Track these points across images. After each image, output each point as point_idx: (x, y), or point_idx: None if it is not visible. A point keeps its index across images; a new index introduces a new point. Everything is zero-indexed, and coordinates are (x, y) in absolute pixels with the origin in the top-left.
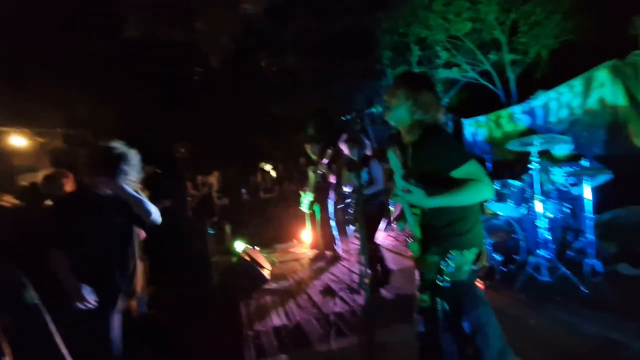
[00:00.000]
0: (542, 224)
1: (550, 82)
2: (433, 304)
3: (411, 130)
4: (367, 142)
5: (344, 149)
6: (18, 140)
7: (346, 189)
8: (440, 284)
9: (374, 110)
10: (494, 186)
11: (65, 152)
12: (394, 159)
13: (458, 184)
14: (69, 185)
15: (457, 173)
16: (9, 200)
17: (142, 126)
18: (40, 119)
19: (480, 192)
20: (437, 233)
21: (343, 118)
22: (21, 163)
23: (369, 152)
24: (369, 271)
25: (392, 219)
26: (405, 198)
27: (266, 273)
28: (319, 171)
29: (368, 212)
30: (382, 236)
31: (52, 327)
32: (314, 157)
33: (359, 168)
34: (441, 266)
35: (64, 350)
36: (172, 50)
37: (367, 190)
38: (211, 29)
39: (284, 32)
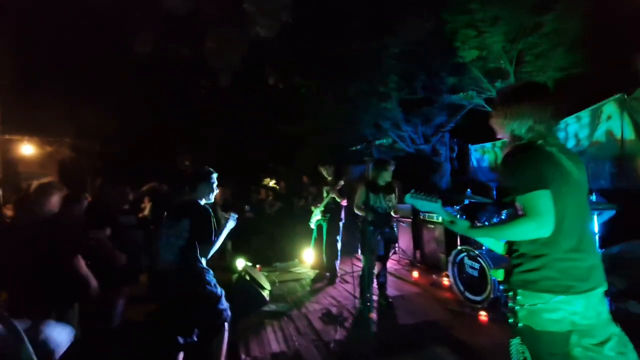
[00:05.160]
0: None
1: None
2: (512, 345)
3: (507, 145)
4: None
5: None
6: (27, 149)
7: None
8: (513, 324)
9: (384, 141)
10: (547, 227)
11: (72, 161)
12: (413, 201)
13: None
14: (56, 199)
15: (518, 201)
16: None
17: (149, 139)
18: (50, 129)
19: (519, 231)
20: (509, 264)
21: (353, 148)
22: (27, 170)
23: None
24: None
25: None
26: (451, 228)
27: (266, 294)
28: (332, 193)
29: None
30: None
31: None
32: (329, 178)
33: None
34: (509, 305)
35: None
36: (181, 66)
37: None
38: (221, 47)
39: (291, 52)
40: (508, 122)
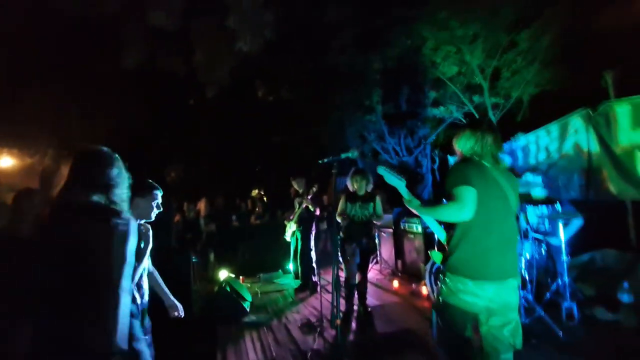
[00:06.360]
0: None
1: (529, 126)
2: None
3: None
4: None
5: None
6: (6, 160)
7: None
8: (435, 299)
9: (349, 154)
10: (467, 211)
11: (55, 172)
12: (383, 172)
13: None
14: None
15: (452, 193)
16: None
17: (135, 150)
18: (33, 139)
19: (446, 212)
20: (446, 251)
21: (319, 162)
22: (7, 182)
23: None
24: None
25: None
26: (407, 205)
27: (246, 305)
28: (304, 204)
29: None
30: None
31: None
32: (300, 190)
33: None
34: (438, 283)
35: None
36: (169, 78)
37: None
38: (209, 60)
39: (279, 65)
40: (456, 142)
